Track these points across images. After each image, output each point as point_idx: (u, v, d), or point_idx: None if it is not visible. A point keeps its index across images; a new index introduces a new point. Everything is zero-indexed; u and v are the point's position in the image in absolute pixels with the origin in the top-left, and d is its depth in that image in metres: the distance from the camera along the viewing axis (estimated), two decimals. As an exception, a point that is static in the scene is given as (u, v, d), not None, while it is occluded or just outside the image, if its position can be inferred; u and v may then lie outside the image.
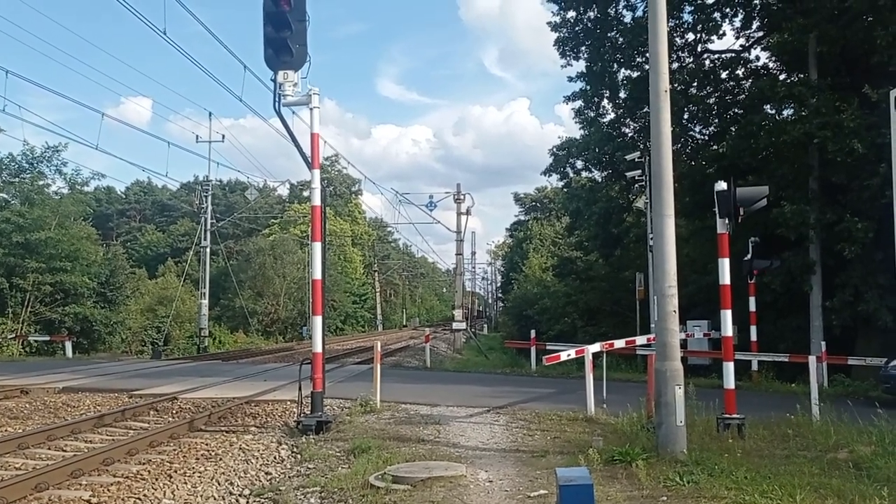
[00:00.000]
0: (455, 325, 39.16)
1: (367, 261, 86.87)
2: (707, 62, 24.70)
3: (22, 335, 32.02)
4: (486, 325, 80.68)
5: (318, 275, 11.20)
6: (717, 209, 10.14)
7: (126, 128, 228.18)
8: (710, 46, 24.65)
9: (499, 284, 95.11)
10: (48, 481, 7.42)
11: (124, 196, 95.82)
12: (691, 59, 24.78)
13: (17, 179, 36.63)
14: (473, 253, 75.16)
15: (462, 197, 39.23)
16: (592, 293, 30.23)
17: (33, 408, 13.20)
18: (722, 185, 10.10)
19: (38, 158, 36.18)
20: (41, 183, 36.84)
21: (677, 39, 23.93)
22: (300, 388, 10.94)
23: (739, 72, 24.55)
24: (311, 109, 11.09)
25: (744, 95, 23.75)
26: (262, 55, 10.83)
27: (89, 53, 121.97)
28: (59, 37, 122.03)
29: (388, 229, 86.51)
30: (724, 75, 24.54)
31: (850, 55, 20.24)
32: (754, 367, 18.86)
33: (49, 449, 9.61)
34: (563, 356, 13.45)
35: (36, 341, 32.10)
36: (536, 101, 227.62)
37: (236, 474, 8.04)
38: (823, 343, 18.32)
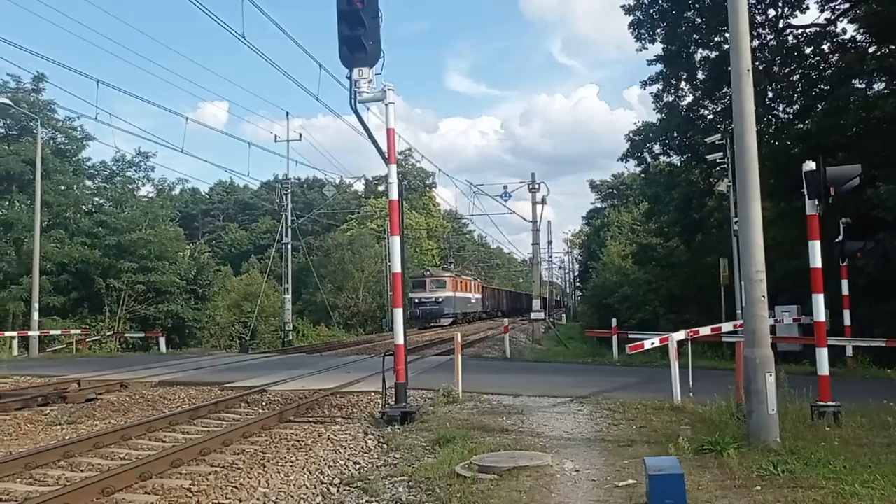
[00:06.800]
0: (533, 315, 38.97)
1: (442, 253, 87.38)
2: (790, 38, 23.82)
3: (119, 332, 33.68)
4: (564, 315, 79.96)
5: (397, 268, 11.33)
6: (805, 190, 9.73)
7: (205, 130, 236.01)
8: (793, 21, 23.79)
9: (576, 273, 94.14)
10: (151, 470, 7.78)
11: (208, 196, 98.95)
12: (773, 36, 23.93)
13: (108, 185, 38.42)
14: (550, 242, 74.51)
15: (537, 186, 38.85)
16: (674, 280, 29.59)
17: (133, 401, 13.83)
18: (811, 165, 9.69)
19: (129, 164, 37.91)
20: (131, 187, 38.61)
21: (758, 16, 23.13)
22: (384, 380, 11.12)
23: (825, 46, 23.53)
24: (386, 105, 11.17)
25: (830, 71, 22.79)
26: (336, 54, 11.01)
27: (169, 59, 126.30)
28: (141, 44, 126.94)
29: (463, 221, 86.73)
30: (808, 51, 23.59)
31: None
32: (849, 352, 18.11)
33: (150, 440, 10.07)
34: (647, 344, 13.23)
35: (132, 338, 33.75)
36: (605, 88, 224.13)
37: (326, 464, 8.24)
38: (925, 326, 17.44)
